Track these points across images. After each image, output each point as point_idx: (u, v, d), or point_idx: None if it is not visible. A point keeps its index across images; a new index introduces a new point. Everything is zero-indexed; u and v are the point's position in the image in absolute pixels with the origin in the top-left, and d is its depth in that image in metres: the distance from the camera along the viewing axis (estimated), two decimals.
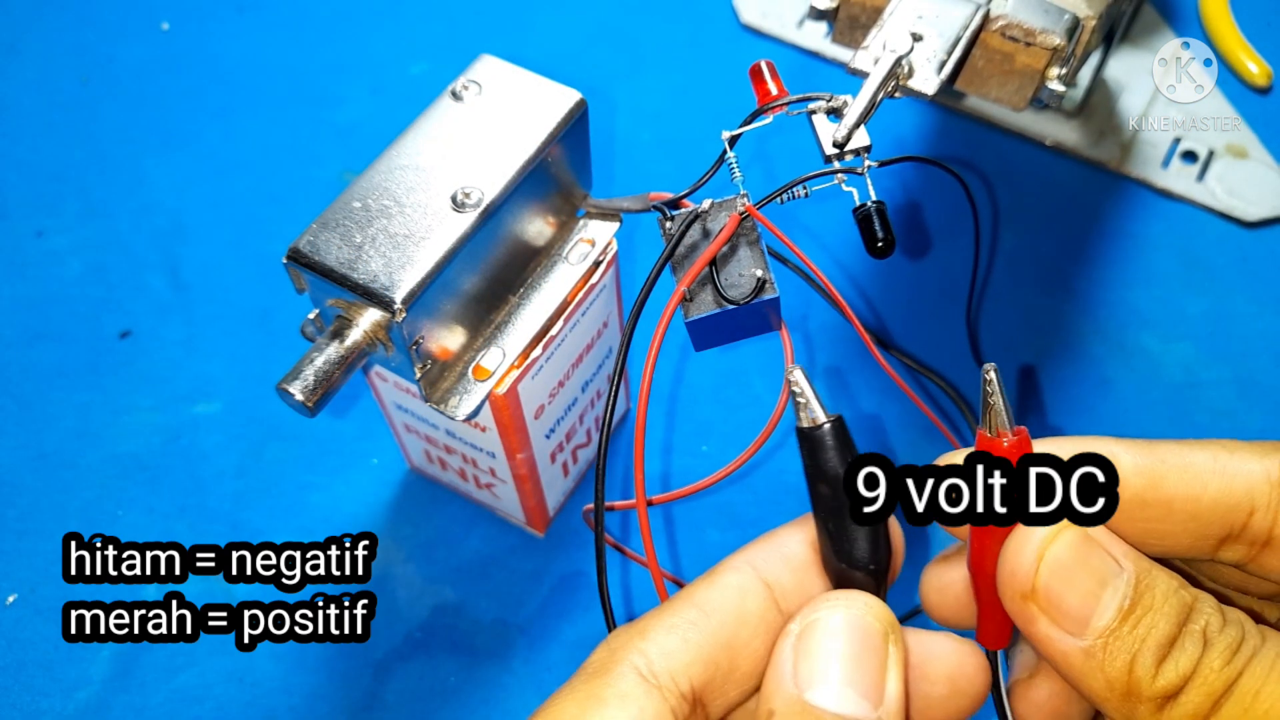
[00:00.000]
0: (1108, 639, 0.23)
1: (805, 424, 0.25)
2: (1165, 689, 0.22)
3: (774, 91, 0.31)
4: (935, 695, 0.26)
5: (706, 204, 0.30)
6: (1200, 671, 0.22)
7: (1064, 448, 0.25)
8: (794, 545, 0.26)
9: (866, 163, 0.30)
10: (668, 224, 0.31)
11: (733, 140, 0.30)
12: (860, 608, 0.24)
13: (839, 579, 0.26)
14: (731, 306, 0.30)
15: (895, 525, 0.27)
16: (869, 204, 0.30)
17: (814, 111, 0.31)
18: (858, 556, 0.25)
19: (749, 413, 0.48)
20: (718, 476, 0.32)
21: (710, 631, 0.25)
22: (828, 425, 0.25)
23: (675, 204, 0.31)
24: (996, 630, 0.28)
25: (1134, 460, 0.25)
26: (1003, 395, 0.25)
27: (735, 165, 0.30)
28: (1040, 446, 0.26)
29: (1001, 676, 0.28)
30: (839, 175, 0.30)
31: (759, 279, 0.30)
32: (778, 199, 0.30)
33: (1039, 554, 0.24)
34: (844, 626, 0.24)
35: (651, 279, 0.29)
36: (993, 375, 0.25)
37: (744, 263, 0.30)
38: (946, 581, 0.28)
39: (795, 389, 0.25)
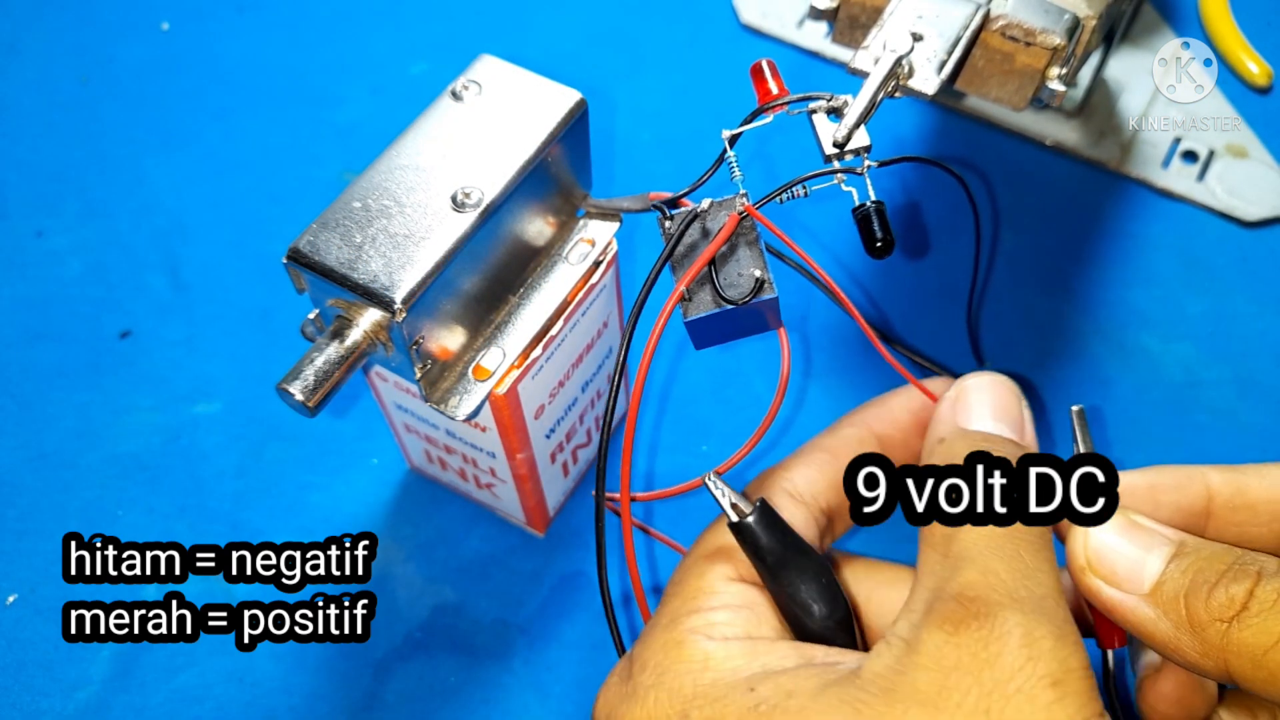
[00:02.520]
0: (1159, 586, 0.26)
1: (733, 518, 0.29)
2: (1220, 610, 0.25)
3: (774, 90, 0.31)
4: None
5: (706, 203, 0.30)
6: (1259, 595, 0.25)
7: (1153, 478, 0.31)
8: (899, 411, 0.34)
9: (866, 163, 0.30)
10: (667, 223, 0.31)
11: (733, 139, 0.30)
12: (997, 379, 0.31)
13: (803, 636, 0.29)
14: (730, 307, 0.30)
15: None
16: (868, 204, 0.30)
17: (814, 111, 0.31)
18: (816, 612, 0.28)
19: (750, 413, 0.48)
20: (727, 465, 0.32)
21: (837, 468, 0.32)
22: (752, 516, 0.29)
23: (675, 203, 0.31)
24: (1110, 630, 0.32)
25: (1221, 475, 0.30)
26: (1080, 428, 0.32)
27: (735, 164, 0.30)
28: (1129, 477, 0.31)
29: (1113, 674, 0.32)
30: (838, 175, 0.30)
31: (758, 279, 0.30)
32: (777, 198, 0.30)
33: (1085, 533, 0.28)
34: (990, 386, 0.31)
35: (651, 279, 0.29)
36: (1073, 413, 0.32)
37: (743, 262, 0.30)
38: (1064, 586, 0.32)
39: (715, 490, 0.29)
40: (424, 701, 0.41)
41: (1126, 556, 0.27)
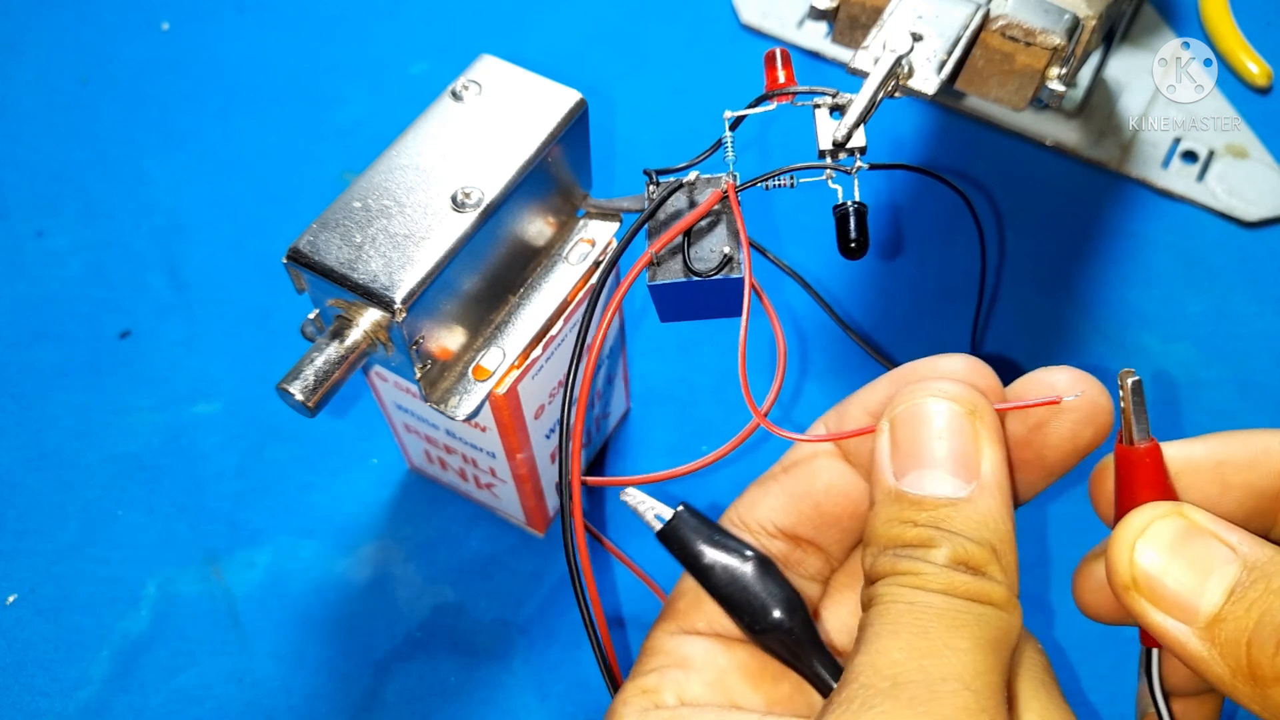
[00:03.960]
0: (1217, 623, 0.22)
1: (655, 526, 0.28)
2: None
3: (782, 80, 0.31)
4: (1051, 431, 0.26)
5: (693, 176, 0.31)
6: None
7: (1220, 452, 0.26)
8: (855, 413, 0.28)
9: (858, 164, 0.30)
10: (652, 189, 0.31)
11: (735, 122, 0.31)
12: (938, 393, 0.25)
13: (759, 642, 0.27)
14: (695, 279, 0.30)
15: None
16: (849, 204, 0.30)
17: (818, 106, 0.31)
18: (761, 614, 0.26)
19: (750, 413, 0.48)
20: (681, 471, 0.31)
21: (788, 484, 0.29)
22: (675, 520, 0.27)
23: (666, 173, 0.32)
24: None
25: None
26: (1133, 404, 0.25)
27: (730, 145, 0.31)
28: (1192, 447, 0.26)
29: (1157, 676, 0.28)
30: (827, 171, 0.30)
31: (726, 255, 0.30)
32: (762, 184, 0.30)
33: (1130, 544, 0.23)
34: (928, 414, 0.25)
35: (628, 237, 0.30)
36: (1126, 384, 0.25)
37: (718, 240, 0.31)
38: (1101, 580, 0.28)
39: (632, 502, 0.28)
40: (424, 701, 0.41)
41: (1179, 579, 0.23)
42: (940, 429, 0.24)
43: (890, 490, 0.24)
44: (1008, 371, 0.49)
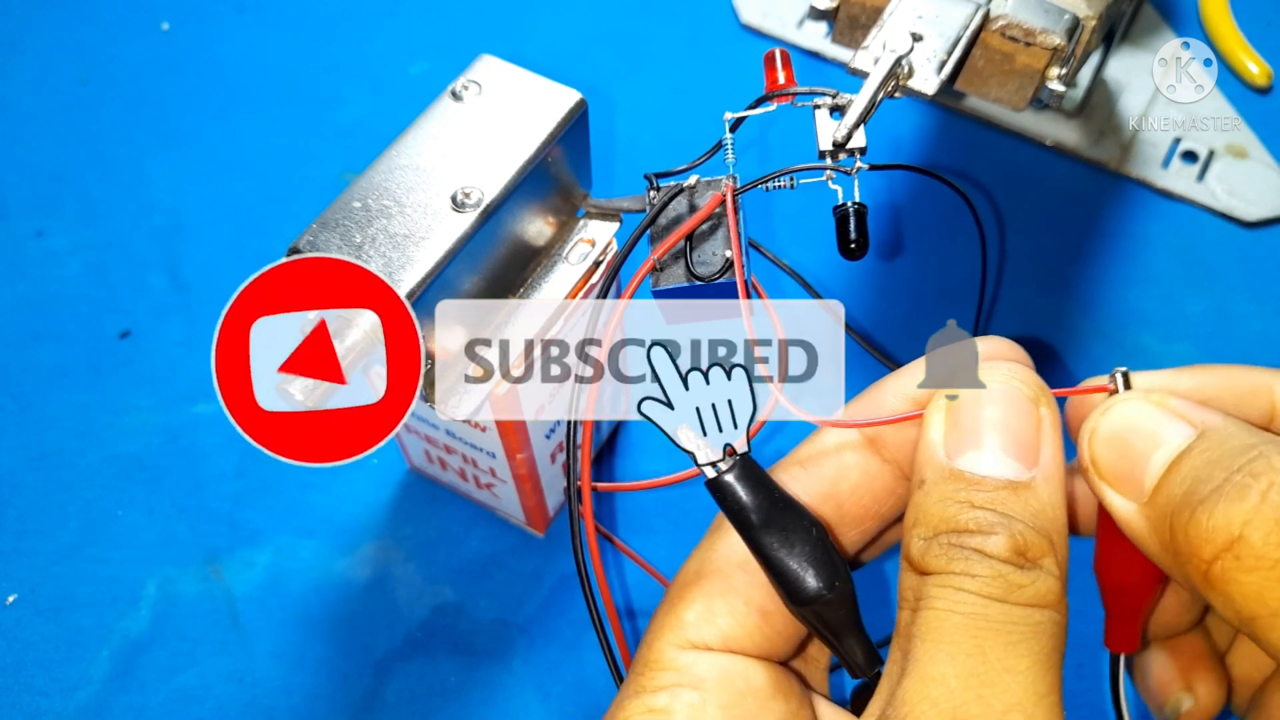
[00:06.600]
0: (1155, 492, 0.21)
1: (709, 474, 0.25)
2: (1201, 544, 0.19)
3: (782, 80, 0.31)
4: None
5: (693, 180, 0.31)
6: (1257, 526, 0.19)
7: (1202, 383, 0.24)
8: (892, 400, 0.26)
9: (858, 164, 0.30)
10: (652, 193, 0.31)
11: (735, 124, 0.31)
12: (1004, 375, 0.24)
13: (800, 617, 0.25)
14: (698, 283, 0.30)
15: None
16: (849, 204, 0.30)
17: (818, 106, 0.31)
18: (809, 583, 0.24)
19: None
20: (683, 475, 0.30)
21: (808, 482, 0.26)
22: (733, 469, 0.25)
23: (666, 176, 0.32)
24: (1125, 633, 0.27)
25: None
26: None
27: (730, 148, 0.31)
28: (1177, 378, 0.25)
29: (1123, 680, 0.27)
30: (827, 172, 0.30)
31: (728, 259, 0.30)
32: (762, 185, 0.30)
33: (1090, 428, 0.23)
34: (991, 395, 0.23)
35: (630, 244, 0.30)
36: (1117, 381, 0.24)
37: (719, 243, 0.31)
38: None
39: (686, 444, 0.25)
40: (424, 701, 0.41)
41: (1131, 455, 0.21)
42: (1005, 411, 0.23)
43: (944, 468, 0.23)
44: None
